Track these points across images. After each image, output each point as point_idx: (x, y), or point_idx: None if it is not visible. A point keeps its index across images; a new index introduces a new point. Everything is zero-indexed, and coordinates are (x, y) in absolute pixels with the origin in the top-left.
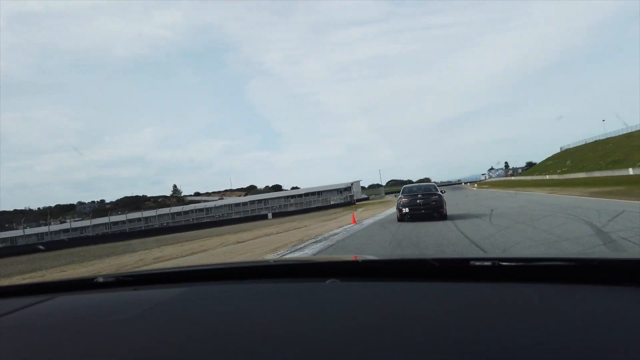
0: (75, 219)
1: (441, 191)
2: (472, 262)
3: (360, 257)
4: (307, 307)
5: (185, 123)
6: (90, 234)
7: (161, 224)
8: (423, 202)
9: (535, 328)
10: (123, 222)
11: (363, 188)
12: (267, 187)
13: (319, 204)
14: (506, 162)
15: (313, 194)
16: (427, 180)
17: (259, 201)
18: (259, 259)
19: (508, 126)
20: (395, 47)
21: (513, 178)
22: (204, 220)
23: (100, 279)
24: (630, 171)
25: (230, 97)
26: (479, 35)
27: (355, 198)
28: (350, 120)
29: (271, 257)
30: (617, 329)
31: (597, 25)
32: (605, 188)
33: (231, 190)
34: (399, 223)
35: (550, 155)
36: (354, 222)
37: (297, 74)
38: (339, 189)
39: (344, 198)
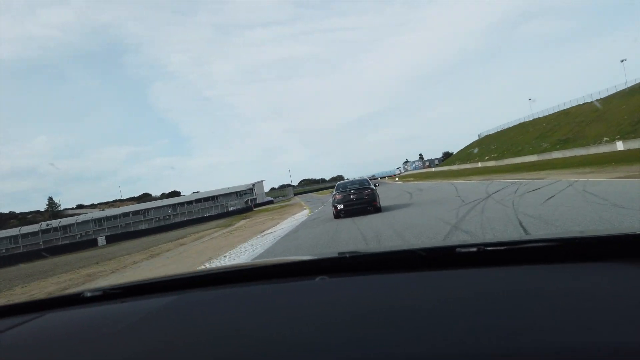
0: None
1: (374, 185)
2: (458, 249)
3: (348, 252)
4: (298, 306)
5: (84, 130)
6: None
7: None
8: (356, 197)
9: (524, 310)
10: None
11: (273, 189)
12: (163, 194)
13: (217, 211)
14: (420, 154)
15: (208, 199)
16: (341, 177)
17: (136, 212)
18: (248, 261)
19: (415, 123)
20: (303, 48)
21: (434, 169)
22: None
23: (88, 294)
24: (621, 146)
25: (133, 101)
26: (381, 38)
27: (258, 201)
28: (263, 122)
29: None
30: (604, 303)
31: (489, 25)
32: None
33: (121, 200)
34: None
35: (469, 143)
36: None
37: (205, 76)
38: (239, 191)
39: (245, 202)
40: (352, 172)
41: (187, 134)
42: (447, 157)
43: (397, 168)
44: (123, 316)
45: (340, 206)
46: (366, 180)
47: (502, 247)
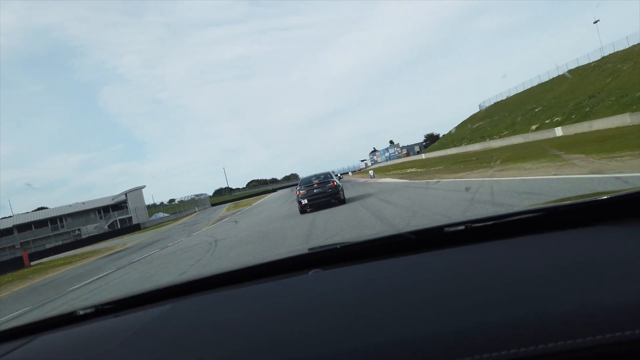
0: None
1: (338, 177)
2: (445, 229)
3: (339, 243)
4: (295, 302)
5: (25, 138)
6: None
7: None
8: (320, 191)
9: (516, 281)
10: None
11: (197, 196)
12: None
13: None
14: (391, 141)
15: (43, 223)
16: (295, 176)
17: None
18: (237, 264)
19: (376, 119)
20: (258, 47)
21: (424, 156)
22: None
23: (80, 312)
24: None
25: (82, 106)
26: (338, 35)
27: (138, 220)
28: (220, 123)
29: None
30: (592, 267)
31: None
32: None
33: None
34: None
35: (470, 116)
36: None
37: (157, 77)
38: (102, 207)
39: (109, 225)
40: (313, 170)
41: (141, 138)
42: (433, 140)
43: (363, 161)
44: (118, 331)
45: (305, 201)
46: (329, 173)
47: (489, 223)
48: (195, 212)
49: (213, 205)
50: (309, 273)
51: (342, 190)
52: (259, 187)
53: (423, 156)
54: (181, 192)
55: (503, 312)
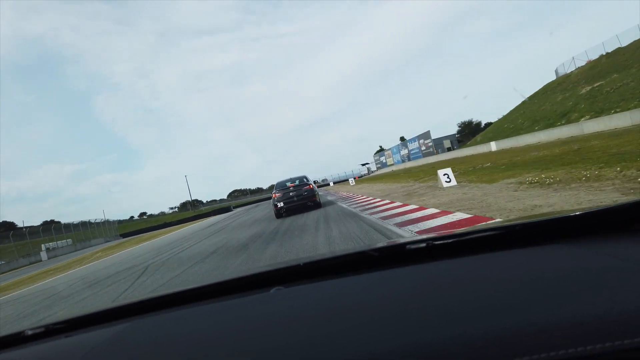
0: None
1: (314, 181)
2: (407, 246)
3: (302, 260)
4: (255, 320)
5: (18, 148)
6: None
7: None
8: (296, 194)
9: (475, 297)
10: None
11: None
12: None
13: None
14: (402, 137)
15: None
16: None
17: None
18: (196, 281)
19: (365, 122)
20: (251, 55)
21: (493, 147)
22: None
23: (29, 332)
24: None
25: (76, 115)
26: (329, 41)
27: None
28: (212, 130)
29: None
30: (543, 284)
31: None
32: None
33: None
34: None
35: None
36: None
37: (150, 85)
38: None
39: None
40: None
41: (136, 147)
42: (472, 130)
43: (364, 164)
44: (69, 352)
45: (281, 204)
46: (304, 177)
47: (449, 240)
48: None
49: (123, 235)
50: (271, 290)
51: (318, 193)
52: (240, 199)
53: (493, 146)
54: (151, 204)
55: (463, 327)
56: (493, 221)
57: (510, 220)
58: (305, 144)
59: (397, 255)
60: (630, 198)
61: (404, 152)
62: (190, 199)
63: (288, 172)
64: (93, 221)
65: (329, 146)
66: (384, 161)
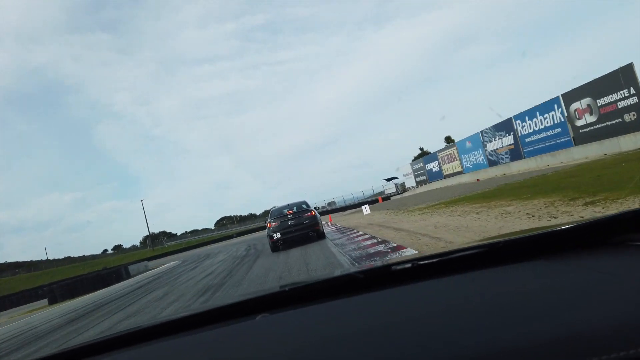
0: None
1: (315, 207)
2: (393, 267)
3: (287, 285)
4: (240, 349)
5: (18, 178)
6: None
7: None
8: (295, 223)
9: (462, 316)
10: None
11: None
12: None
13: None
14: (447, 137)
15: None
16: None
17: None
18: (179, 312)
19: (364, 148)
20: (251, 82)
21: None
22: None
23: None
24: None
25: (77, 144)
26: (328, 67)
27: None
28: (213, 157)
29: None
30: (527, 301)
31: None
32: None
33: None
34: None
35: None
36: None
37: (151, 113)
38: None
39: None
40: (311, 200)
41: (136, 175)
42: None
43: (390, 180)
44: None
45: (277, 235)
46: (304, 202)
47: (434, 260)
48: None
49: None
50: (257, 318)
51: (321, 222)
52: (227, 229)
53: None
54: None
55: (452, 346)
56: (476, 240)
57: (493, 238)
58: (307, 165)
59: (383, 277)
60: (608, 212)
61: (497, 144)
62: (148, 233)
63: (287, 196)
64: None
65: (326, 172)
66: (434, 169)
